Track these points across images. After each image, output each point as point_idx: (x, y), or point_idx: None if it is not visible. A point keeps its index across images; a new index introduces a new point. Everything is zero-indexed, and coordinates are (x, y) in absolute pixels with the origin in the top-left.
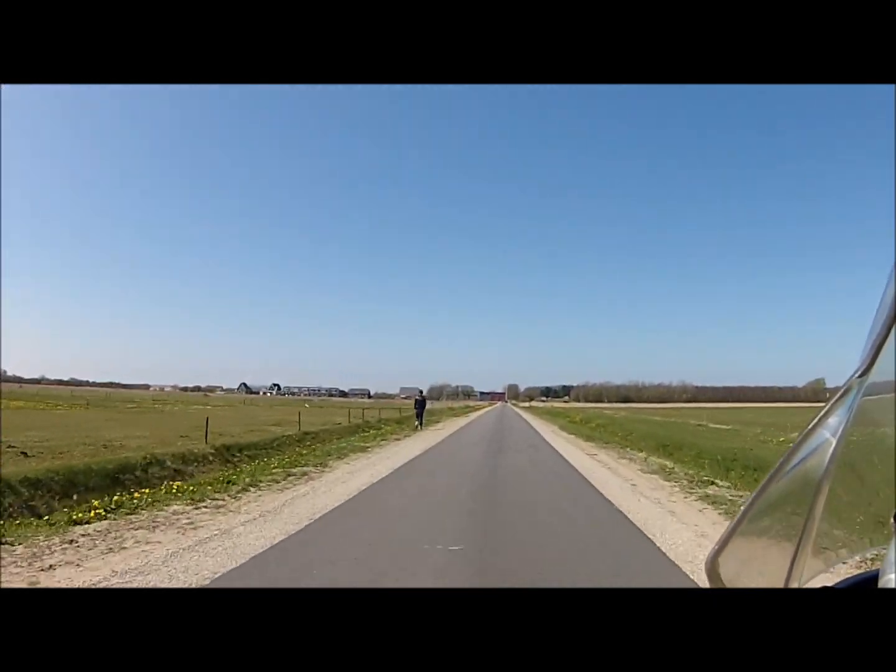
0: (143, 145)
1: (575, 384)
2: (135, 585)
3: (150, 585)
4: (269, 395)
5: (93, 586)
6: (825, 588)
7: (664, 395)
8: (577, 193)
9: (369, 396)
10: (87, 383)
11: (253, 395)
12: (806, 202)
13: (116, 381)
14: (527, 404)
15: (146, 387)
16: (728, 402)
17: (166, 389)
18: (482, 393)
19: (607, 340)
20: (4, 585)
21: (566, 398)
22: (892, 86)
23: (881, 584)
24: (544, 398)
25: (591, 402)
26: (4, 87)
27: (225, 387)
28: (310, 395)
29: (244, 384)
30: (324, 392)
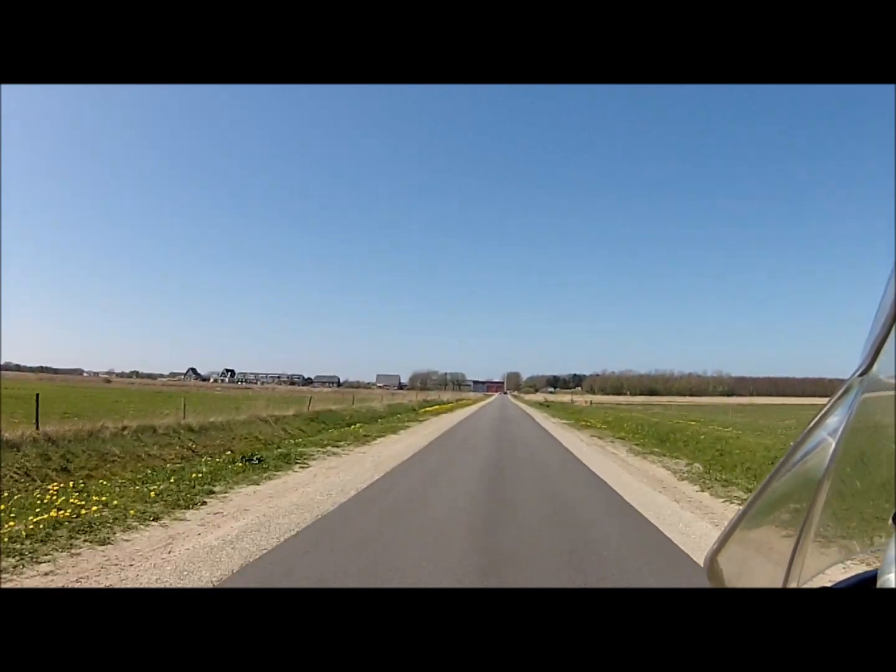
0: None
1: (587, 373)
2: (136, 586)
3: (152, 586)
4: (220, 382)
5: (92, 587)
6: (824, 588)
7: (696, 386)
8: (595, 192)
9: (338, 385)
10: (17, 367)
11: (202, 383)
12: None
13: (49, 366)
14: (539, 398)
15: (80, 372)
16: (771, 395)
17: (101, 375)
18: (476, 382)
19: (625, 325)
20: (6, 585)
21: (578, 388)
22: (892, 86)
23: (880, 583)
24: (552, 389)
25: (609, 394)
26: (4, 87)
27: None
28: (268, 382)
29: (192, 370)
30: (285, 379)
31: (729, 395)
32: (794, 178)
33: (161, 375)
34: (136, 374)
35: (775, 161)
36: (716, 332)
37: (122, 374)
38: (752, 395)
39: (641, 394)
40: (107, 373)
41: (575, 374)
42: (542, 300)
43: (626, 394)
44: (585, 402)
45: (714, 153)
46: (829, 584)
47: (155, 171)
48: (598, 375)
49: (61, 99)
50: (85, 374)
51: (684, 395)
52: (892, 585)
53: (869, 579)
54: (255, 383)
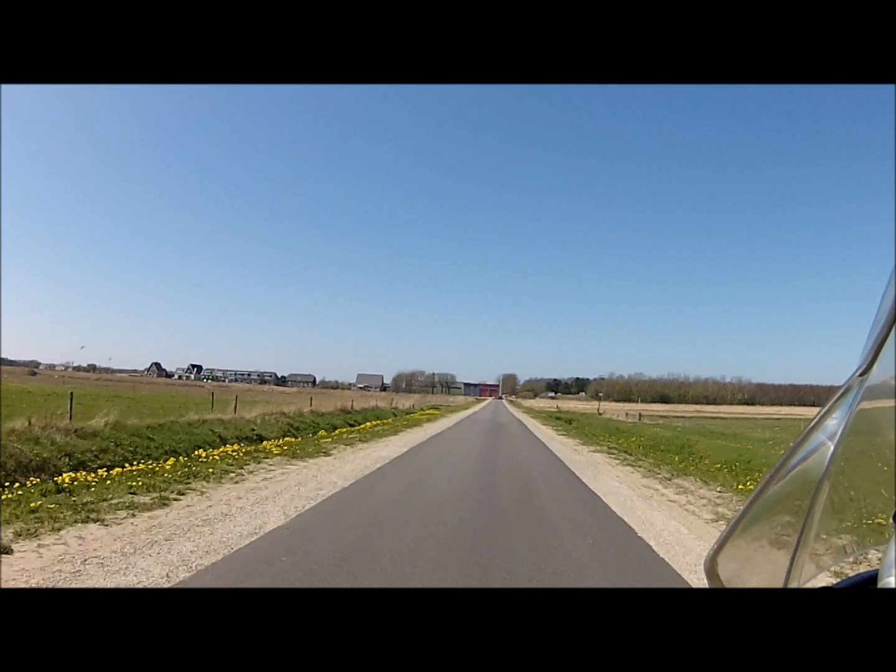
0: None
1: (591, 377)
2: (136, 586)
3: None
4: (185, 378)
5: (92, 587)
6: (824, 588)
7: (714, 393)
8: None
9: (314, 384)
10: None
11: (165, 379)
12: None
13: (5, 358)
14: (542, 405)
15: (35, 364)
16: (794, 405)
17: (57, 368)
18: (467, 385)
19: (634, 325)
20: (6, 585)
21: (581, 394)
22: (892, 86)
23: (880, 584)
24: (552, 394)
25: (616, 400)
26: (4, 87)
27: (169, 368)
28: (237, 379)
29: (156, 364)
30: (256, 377)
31: (749, 403)
32: (808, 180)
33: (128, 370)
34: (94, 367)
35: (778, 163)
36: (733, 335)
37: (78, 368)
38: (773, 404)
39: (653, 401)
40: (63, 365)
41: (578, 378)
42: (541, 299)
43: (636, 401)
44: (626, 413)
45: (723, 155)
46: (829, 584)
47: (151, 167)
48: (603, 379)
49: (61, 98)
50: (42, 367)
51: (700, 404)
52: (893, 586)
53: (869, 579)
54: (224, 380)
